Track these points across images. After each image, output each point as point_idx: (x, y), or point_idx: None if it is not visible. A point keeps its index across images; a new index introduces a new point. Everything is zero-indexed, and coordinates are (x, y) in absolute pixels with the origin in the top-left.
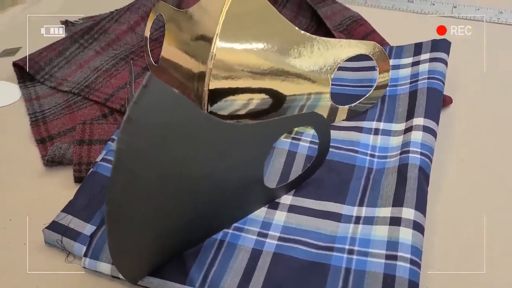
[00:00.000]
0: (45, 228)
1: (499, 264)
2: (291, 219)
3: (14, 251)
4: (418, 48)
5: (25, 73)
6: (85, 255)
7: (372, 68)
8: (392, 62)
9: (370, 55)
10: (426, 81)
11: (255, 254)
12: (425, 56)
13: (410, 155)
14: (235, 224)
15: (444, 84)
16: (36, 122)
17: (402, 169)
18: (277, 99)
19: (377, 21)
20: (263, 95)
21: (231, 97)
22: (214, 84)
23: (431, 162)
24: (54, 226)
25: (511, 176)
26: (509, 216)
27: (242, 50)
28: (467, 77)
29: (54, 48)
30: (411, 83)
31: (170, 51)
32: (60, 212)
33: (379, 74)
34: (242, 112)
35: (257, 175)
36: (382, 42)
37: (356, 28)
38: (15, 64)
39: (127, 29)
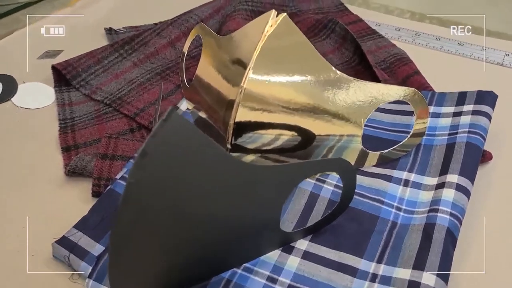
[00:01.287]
0: (55, 242)
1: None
2: (304, 267)
3: (20, 262)
4: (461, 98)
5: (62, 77)
6: (90, 276)
7: (409, 113)
8: (432, 109)
9: (408, 101)
10: (466, 135)
11: None
12: (468, 107)
13: (438, 214)
14: (245, 264)
15: (485, 140)
16: (64, 129)
17: (428, 229)
18: (306, 138)
19: (423, 61)
20: (292, 132)
21: (258, 131)
22: (241, 117)
23: (461, 225)
24: (64, 242)
25: None
26: None
27: (275, 84)
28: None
29: (94, 55)
30: (449, 134)
31: (205, 71)
32: (72, 227)
33: (417, 121)
34: (268, 147)
35: (273, 218)
36: (425, 85)
37: (400, 67)
38: (53, 68)
39: (167, 44)
